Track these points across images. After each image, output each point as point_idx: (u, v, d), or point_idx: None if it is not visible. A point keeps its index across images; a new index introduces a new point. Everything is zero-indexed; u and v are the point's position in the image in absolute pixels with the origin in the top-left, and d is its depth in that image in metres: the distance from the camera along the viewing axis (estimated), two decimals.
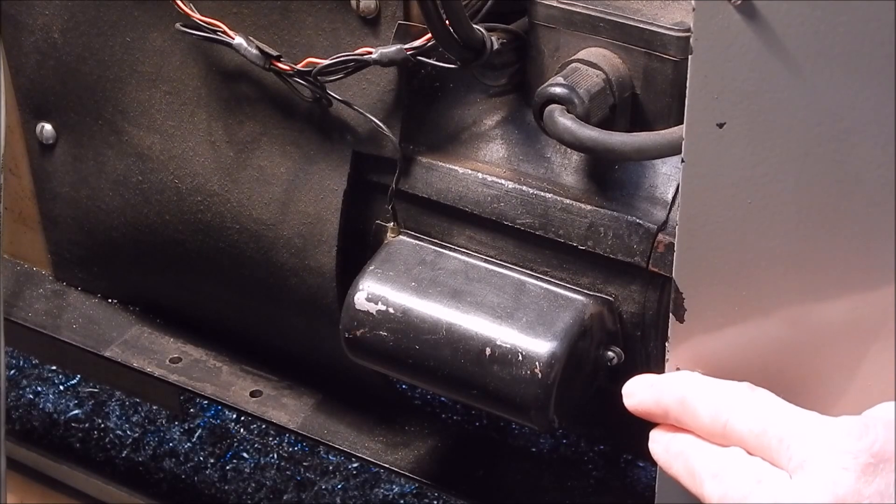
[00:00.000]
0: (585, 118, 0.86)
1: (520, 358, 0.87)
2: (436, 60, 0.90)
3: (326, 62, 0.92)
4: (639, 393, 0.73)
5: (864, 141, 0.63)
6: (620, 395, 0.74)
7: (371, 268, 0.94)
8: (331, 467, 1.48)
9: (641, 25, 0.87)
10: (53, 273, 1.20)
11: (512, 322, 0.88)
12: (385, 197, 0.95)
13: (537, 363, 0.87)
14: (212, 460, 1.50)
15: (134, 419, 1.55)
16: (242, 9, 0.96)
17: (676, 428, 0.71)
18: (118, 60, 1.04)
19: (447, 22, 0.85)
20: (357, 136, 0.96)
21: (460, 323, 0.89)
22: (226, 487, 1.47)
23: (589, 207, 0.90)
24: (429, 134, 0.96)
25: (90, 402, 1.56)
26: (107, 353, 1.14)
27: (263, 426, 1.53)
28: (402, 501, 1.45)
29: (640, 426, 0.74)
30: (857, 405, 0.66)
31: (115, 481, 1.39)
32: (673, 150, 0.82)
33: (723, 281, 0.70)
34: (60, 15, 1.05)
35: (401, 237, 0.96)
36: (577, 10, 0.89)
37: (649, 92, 0.89)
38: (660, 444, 0.72)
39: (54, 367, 1.59)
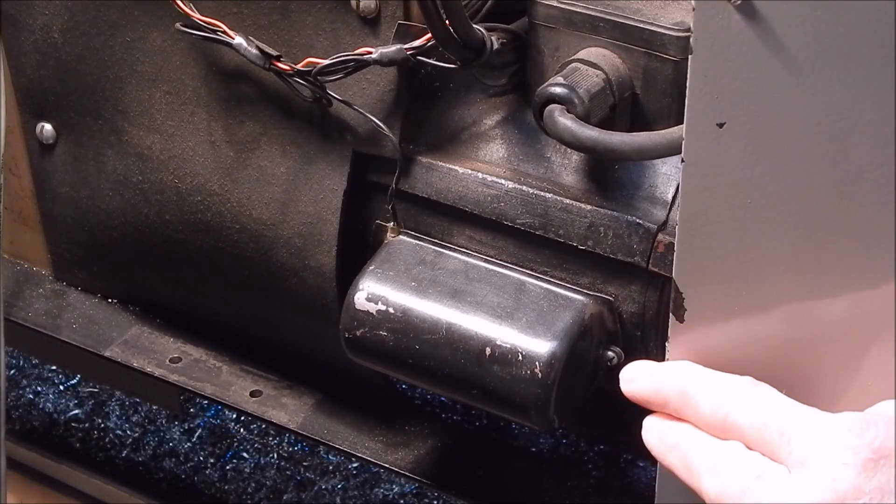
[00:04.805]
0: (585, 118, 0.86)
1: (520, 358, 0.87)
2: (436, 60, 0.90)
3: (326, 62, 0.92)
4: (638, 379, 0.73)
5: (864, 141, 0.63)
6: (620, 395, 0.74)
7: (371, 268, 0.94)
8: (331, 467, 1.48)
9: (641, 25, 0.87)
10: (53, 273, 1.20)
11: (512, 322, 0.88)
12: (385, 197, 0.95)
13: (537, 363, 0.87)
14: (212, 460, 1.50)
15: (134, 419, 1.55)
16: (242, 9, 0.96)
17: (671, 417, 0.71)
18: (118, 60, 1.04)
19: (447, 22, 0.85)
20: (357, 136, 0.96)
21: (460, 323, 0.89)
22: (226, 487, 1.47)
23: (589, 207, 0.90)
24: (429, 134, 0.96)
25: (90, 402, 1.56)
26: (107, 353, 1.14)
27: (263, 426, 1.53)
28: (402, 501, 1.45)
29: (640, 426, 0.73)
30: (857, 405, 0.66)
31: (115, 481, 1.39)
32: (673, 150, 0.82)
33: (723, 281, 0.70)
34: (60, 15, 1.05)
35: (401, 237, 0.96)
36: (577, 10, 0.89)
37: (649, 92, 0.89)
38: (654, 433, 0.71)
39: (54, 367, 1.59)
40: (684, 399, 0.70)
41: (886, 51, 0.61)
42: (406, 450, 1.07)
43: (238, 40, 0.94)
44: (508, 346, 0.87)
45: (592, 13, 0.89)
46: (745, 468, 0.66)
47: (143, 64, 1.03)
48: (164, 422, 1.55)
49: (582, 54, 0.89)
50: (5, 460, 1.08)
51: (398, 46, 0.90)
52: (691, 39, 0.65)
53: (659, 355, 0.88)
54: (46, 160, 1.12)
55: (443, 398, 1.21)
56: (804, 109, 0.64)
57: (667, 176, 0.89)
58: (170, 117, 1.03)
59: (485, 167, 0.94)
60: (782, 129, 0.65)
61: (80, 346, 1.15)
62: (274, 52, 0.94)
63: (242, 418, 1.54)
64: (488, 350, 0.88)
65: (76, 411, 1.55)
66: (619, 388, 0.74)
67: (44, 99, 1.10)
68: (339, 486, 1.47)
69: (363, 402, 1.10)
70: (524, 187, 0.92)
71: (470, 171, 0.93)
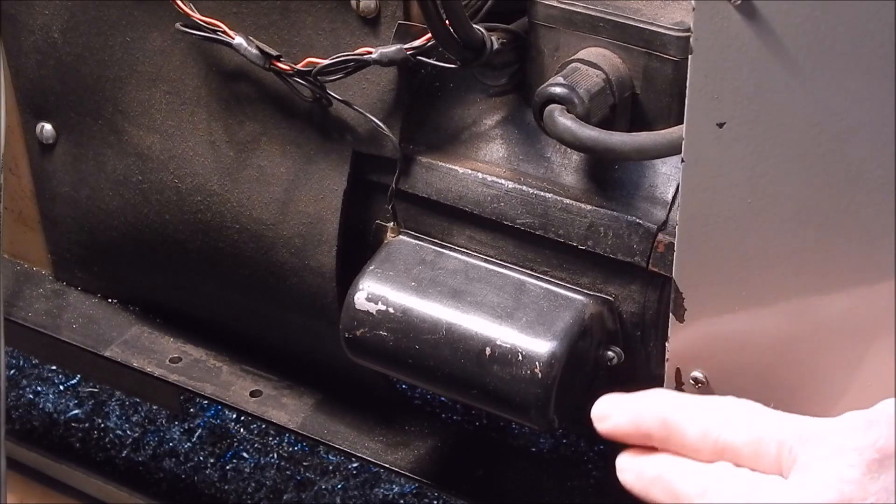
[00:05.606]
0: (585, 118, 0.86)
1: (520, 358, 0.87)
2: (436, 60, 0.90)
3: (326, 62, 0.92)
4: (613, 416, 0.71)
5: (864, 141, 0.63)
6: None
7: (371, 268, 0.94)
8: (331, 467, 1.49)
9: (641, 25, 0.87)
10: (53, 273, 1.20)
11: (512, 322, 0.88)
12: (385, 197, 0.95)
13: (537, 363, 0.86)
14: (212, 460, 1.51)
15: (134, 419, 1.55)
16: (242, 9, 0.96)
17: (645, 450, 0.69)
18: (118, 60, 1.04)
19: (447, 22, 0.85)
20: (357, 136, 0.96)
21: (460, 323, 0.89)
22: (226, 487, 1.47)
23: (589, 207, 0.90)
24: (429, 134, 0.96)
25: (90, 402, 1.57)
26: (107, 353, 1.14)
27: (263, 426, 1.53)
28: (402, 501, 1.45)
29: None
30: (858, 404, 0.66)
31: (115, 481, 1.39)
32: (673, 150, 0.82)
33: (723, 281, 0.70)
34: (60, 15, 1.05)
35: (401, 237, 0.96)
36: (577, 10, 0.89)
37: (649, 92, 0.89)
38: (630, 471, 0.69)
39: (54, 367, 1.60)
40: (668, 428, 0.68)
41: (886, 51, 0.61)
42: (406, 450, 1.07)
43: (238, 40, 0.94)
44: (508, 346, 0.87)
45: (592, 13, 0.89)
46: (737, 484, 0.65)
47: (143, 64, 1.03)
48: (164, 422, 1.55)
49: (582, 54, 0.89)
50: (5, 460, 1.08)
51: (398, 46, 0.90)
52: (691, 39, 0.65)
53: (659, 355, 0.88)
54: (46, 160, 1.12)
55: (443, 398, 1.21)
56: (804, 109, 0.64)
57: (667, 176, 0.89)
58: (170, 117, 1.03)
59: (485, 167, 0.94)
60: (782, 129, 0.65)
61: (80, 346, 1.15)
62: (274, 52, 0.94)
63: (242, 418, 1.54)
64: (488, 350, 0.88)
65: (76, 411, 1.55)
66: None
67: (44, 99, 1.10)
68: (339, 486, 1.47)
69: (363, 402, 1.10)
70: (524, 187, 0.91)
71: (470, 171, 0.93)
